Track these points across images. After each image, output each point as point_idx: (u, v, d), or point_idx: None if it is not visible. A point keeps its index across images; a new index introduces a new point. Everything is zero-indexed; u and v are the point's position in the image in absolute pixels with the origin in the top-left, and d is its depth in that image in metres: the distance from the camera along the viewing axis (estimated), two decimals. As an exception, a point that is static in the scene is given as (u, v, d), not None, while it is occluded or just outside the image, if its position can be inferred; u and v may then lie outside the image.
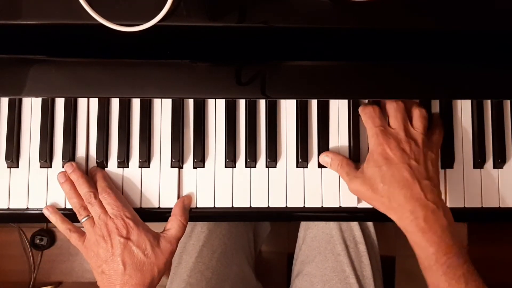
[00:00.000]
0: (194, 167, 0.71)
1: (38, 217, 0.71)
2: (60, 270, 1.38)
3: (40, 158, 0.70)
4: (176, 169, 0.71)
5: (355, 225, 0.80)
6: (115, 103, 0.71)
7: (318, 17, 0.63)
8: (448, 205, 0.71)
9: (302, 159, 0.70)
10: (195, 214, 0.71)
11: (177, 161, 0.70)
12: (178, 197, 0.70)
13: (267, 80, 0.67)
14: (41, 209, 0.70)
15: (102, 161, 0.70)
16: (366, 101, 0.72)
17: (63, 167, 0.70)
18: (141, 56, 0.67)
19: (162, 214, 0.70)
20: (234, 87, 0.67)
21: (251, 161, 0.70)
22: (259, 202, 0.70)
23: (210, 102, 0.72)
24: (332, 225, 0.80)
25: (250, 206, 0.71)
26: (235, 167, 0.71)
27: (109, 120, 0.71)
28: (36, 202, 0.70)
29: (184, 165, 0.71)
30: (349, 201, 0.71)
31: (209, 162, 0.71)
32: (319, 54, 0.68)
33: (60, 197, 0.70)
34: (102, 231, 0.65)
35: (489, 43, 0.68)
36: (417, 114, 0.67)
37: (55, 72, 0.66)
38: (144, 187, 0.71)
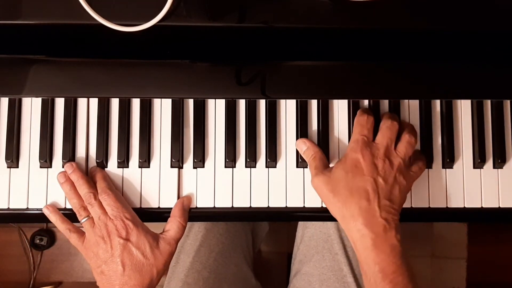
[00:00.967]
0: (194, 167, 0.71)
1: (38, 217, 0.71)
2: (60, 270, 1.38)
3: (40, 158, 0.70)
4: (176, 169, 0.71)
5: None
6: (115, 103, 0.71)
7: (318, 17, 0.64)
8: (448, 205, 0.71)
9: (302, 159, 0.70)
10: (195, 214, 0.71)
11: (177, 161, 0.70)
12: (178, 197, 0.70)
13: (267, 80, 0.67)
14: (41, 209, 0.70)
15: (102, 161, 0.70)
16: (366, 102, 0.72)
17: (63, 167, 0.70)
18: (141, 56, 0.67)
19: (161, 214, 0.70)
20: (234, 87, 0.67)
21: (251, 161, 0.70)
22: (259, 202, 0.70)
23: (210, 102, 0.72)
24: (329, 224, 0.80)
25: (250, 206, 0.71)
26: (235, 167, 0.71)
27: (109, 120, 0.71)
28: (36, 202, 0.70)
29: (184, 165, 0.71)
30: (349, 201, 0.70)
31: (209, 162, 0.71)
32: (319, 54, 0.68)
33: (60, 197, 0.70)
34: (102, 232, 0.65)
35: (489, 43, 0.68)
36: (406, 139, 0.67)
37: (55, 72, 0.66)
38: (144, 187, 0.71)
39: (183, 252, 0.82)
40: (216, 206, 0.71)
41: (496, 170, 0.72)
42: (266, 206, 0.71)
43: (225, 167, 0.71)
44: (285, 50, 0.68)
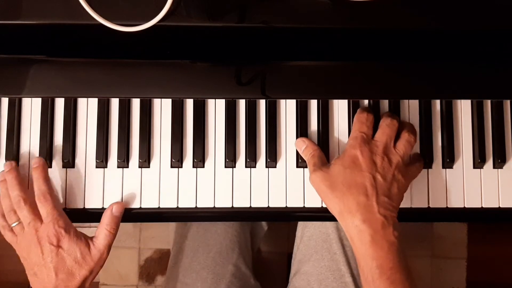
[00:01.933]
0: (194, 167, 0.71)
1: (38, 217, 0.70)
2: (60, 270, 1.38)
3: (40, 158, 0.70)
4: (176, 169, 0.71)
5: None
6: (115, 103, 0.71)
7: (318, 17, 0.64)
8: (448, 205, 0.71)
9: (302, 159, 0.70)
10: (195, 215, 0.71)
11: (177, 161, 0.70)
12: (178, 197, 0.70)
13: (267, 80, 0.67)
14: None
15: (102, 161, 0.70)
16: (366, 102, 0.72)
17: (63, 167, 0.70)
18: (141, 56, 0.67)
19: (161, 215, 0.70)
20: (234, 87, 0.67)
21: (251, 161, 0.70)
22: (259, 202, 0.70)
23: (210, 102, 0.72)
24: (328, 224, 0.80)
25: (250, 206, 0.71)
26: (235, 167, 0.71)
27: (109, 120, 0.71)
28: (36, 202, 0.70)
29: (184, 165, 0.71)
30: (349, 201, 0.70)
31: (209, 162, 0.71)
32: (319, 54, 0.68)
33: (60, 197, 0.70)
34: (32, 237, 0.64)
35: (489, 43, 0.68)
36: (405, 138, 0.67)
37: (55, 72, 0.66)
38: (144, 187, 0.71)
39: (181, 252, 0.82)
40: (216, 206, 0.71)
41: (496, 170, 0.72)
42: (266, 206, 0.71)
43: (225, 167, 0.71)
44: (285, 50, 0.68)
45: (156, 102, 0.72)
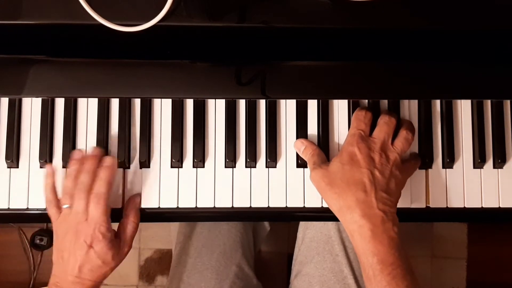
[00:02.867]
0: (194, 167, 0.71)
1: (38, 217, 0.71)
2: (60, 270, 1.38)
3: (40, 158, 0.70)
4: (176, 169, 0.71)
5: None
6: (115, 103, 0.71)
7: (318, 17, 0.64)
8: (448, 205, 0.71)
9: (302, 159, 0.70)
10: (195, 215, 0.71)
11: (177, 161, 0.70)
12: (178, 197, 0.70)
13: (267, 80, 0.67)
14: (41, 209, 0.69)
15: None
16: (366, 102, 0.72)
17: (63, 167, 0.70)
18: (141, 56, 0.67)
19: (162, 214, 0.70)
20: (234, 87, 0.67)
21: (251, 161, 0.70)
22: (259, 202, 0.70)
23: (210, 102, 0.72)
24: (330, 226, 0.80)
25: (250, 206, 0.71)
26: (235, 167, 0.71)
27: (109, 120, 0.71)
28: (36, 202, 0.70)
29: (184, 165, 0.71)
30: (349, 201, 0.70)
31: (209, 162, 0.71)
32: (319, 54, 0.68)
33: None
34: (72, 227, 0.65)
35: (489, 43, 0.68)
36: (403, 135, 0.67)
37: (55, 72, 0.66)
38: (144, 187, 0.71)
39: (184, 253, 0.82)
40: (216, 206, 0.71)
41: (496, 170, 0.72)
42: (266, 206, 0.71)
43: (225, 167, 0.71)
44: (285, 50, 0.68)
45: (156, 102, 0.72)
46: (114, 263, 0.66)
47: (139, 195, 0.70)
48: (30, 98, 0.71)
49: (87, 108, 0.71)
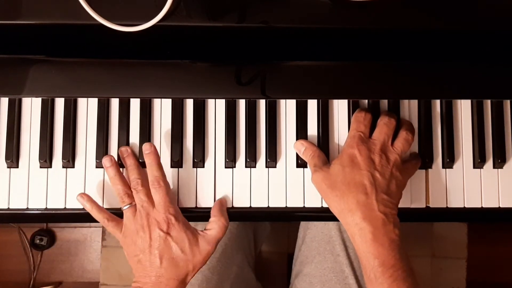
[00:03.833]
0: (194, 167, 0.71)
1: (38, 217, 0.71)
2: (60, 270, 1.38)
3: (40, 158, 0.70)
4: (176, 169, 0.71)
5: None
6: (115, 103, 0.71)
7: (318, 17, 0.64)
8: (448, 205, 0.71)
9: (302, 159, 0.70)
10: (195, 214, 0.71)
11: (177, 161, 0.70)
12: (178, 197, 0.70)
13: (267, 80, 0.67)
14: (41, 209, 0.70)
15: (102, 161, 0.70)
16: (366, 102, 0.72)
17: (63, 167, 0.70)
18: (141, 56, 0.67)
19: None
20: (234, 87, 0.67)
21: (251, 161, 0.70)
22: (259, 202, 0.71)
23: (210, 102, 0.72)
24: (331, 226, 0.80)
25: (250, 206, 0.71)
26: (235, 167, 0.71)
27: (109, 120, 0.71)
28: (36, 202, 0.70)
29: (184, 165, 0.71)
30: (349, 201, 0.70)
31: (209, 162, 0.71)
32: (319, 54, 0.68)
33: (60, 197, 0.70)
34: (143, 221, 0.65)
35: (489, 43, 0.68)
36: (403, 136, 0.67)
37: (55, 72, 0.66)
38: (144, 187, 0.70)
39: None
40: (216, 206, 0.70)
41: (496, 170, 0.72)
42: (266, 206, 0.71)
43: (225, 167, 0.71)
44: (285, 50, 0.68)
45: (156, 102, 0.72)
46: (193, 256, 0.64)
47: (225, 196, 0.70)
48: (30, 98, 0.71)
49: (87, 108, 0.71)
